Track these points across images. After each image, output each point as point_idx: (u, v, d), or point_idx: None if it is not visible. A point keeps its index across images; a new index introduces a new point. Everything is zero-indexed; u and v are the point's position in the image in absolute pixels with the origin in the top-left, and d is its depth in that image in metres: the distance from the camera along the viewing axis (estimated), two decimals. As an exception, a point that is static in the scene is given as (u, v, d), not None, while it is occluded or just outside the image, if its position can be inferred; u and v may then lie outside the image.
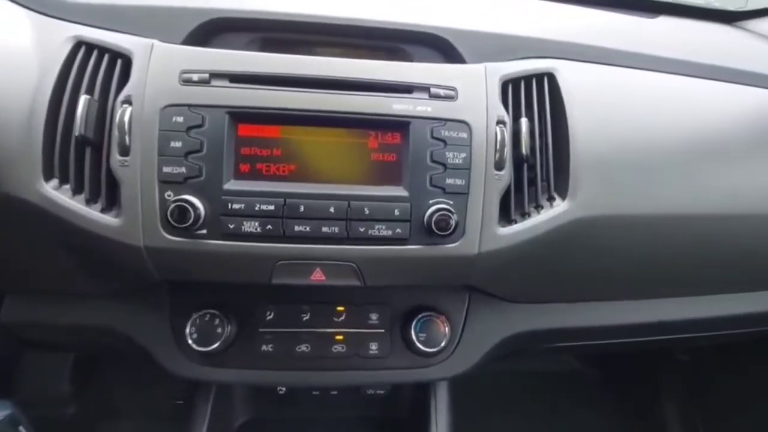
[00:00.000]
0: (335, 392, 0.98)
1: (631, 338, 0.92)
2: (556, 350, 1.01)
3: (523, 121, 0.67)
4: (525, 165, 0.67)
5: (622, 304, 0.83)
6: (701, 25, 1.01)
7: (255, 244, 0.61)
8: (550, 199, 0.68)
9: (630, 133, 0.72)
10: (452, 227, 0.60)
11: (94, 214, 0.61)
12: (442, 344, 0.76)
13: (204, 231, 0.60)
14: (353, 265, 0.63)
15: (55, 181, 0.61)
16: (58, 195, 0.60)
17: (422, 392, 0.93)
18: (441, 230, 0.60)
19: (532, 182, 0.68)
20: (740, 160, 0.77)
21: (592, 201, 0.68)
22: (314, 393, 0.98)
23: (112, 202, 0.62)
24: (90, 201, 0.62)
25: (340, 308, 0.78)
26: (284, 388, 0.96)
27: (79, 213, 0.60)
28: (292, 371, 0.77)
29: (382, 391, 0.97)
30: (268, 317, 0.77)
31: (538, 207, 0.68)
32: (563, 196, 0.68)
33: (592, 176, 0.69)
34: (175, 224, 0.57)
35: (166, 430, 1.01)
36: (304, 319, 0.77)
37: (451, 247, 0.64)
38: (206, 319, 0.73)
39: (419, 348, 0.75)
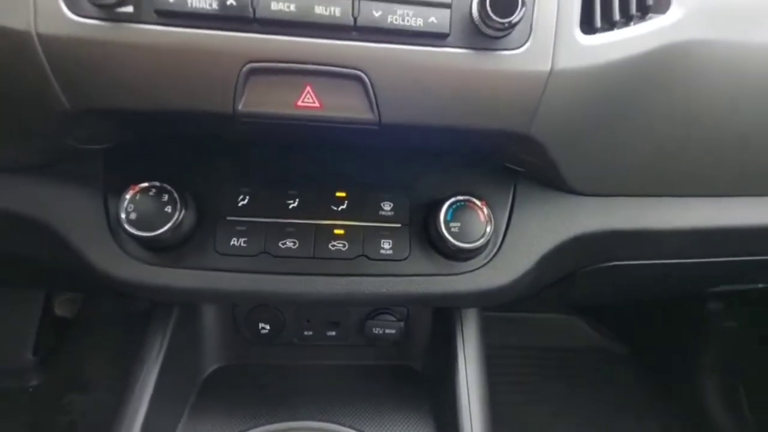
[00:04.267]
0: (333, 332, 0.77)
1: (713, 257, 0.70)
2: (618, 280, 0.79)
3: None
4: None
5: (706, 201, 0.62)
6: None
7: (210, 32, 0.39)
8: (644, 12, 0.47)
9: None
10: (518, 8, 0.39)
11: None
12: (481, 239, 0.54)
13: (129, 8, 0.39)
14: (362, 75, 0.42)
15: None
16: None
17: (445, 335, 0.72)
18: (500, 14, 0.39)
19: None
20: None
21: (695, 18, 0.48)
22: (306, 333, 0.76)
23: None
24: None
25: (341, 193, 0.57)
26: (268, 327, 0.75)
27: None
28: (272, 275, 0.55)
29: (392, 331, 0.75)
30: (241, 203, 0.56)
31: (629, 19, 0.47)
32: (662, 11, 0.47)
33: None
34: None
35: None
36: (291, 206, 0.56)
37: (513, 55, 0.42)
38: (150, 193, 0.51)
39: (451, 243, 0.54)
